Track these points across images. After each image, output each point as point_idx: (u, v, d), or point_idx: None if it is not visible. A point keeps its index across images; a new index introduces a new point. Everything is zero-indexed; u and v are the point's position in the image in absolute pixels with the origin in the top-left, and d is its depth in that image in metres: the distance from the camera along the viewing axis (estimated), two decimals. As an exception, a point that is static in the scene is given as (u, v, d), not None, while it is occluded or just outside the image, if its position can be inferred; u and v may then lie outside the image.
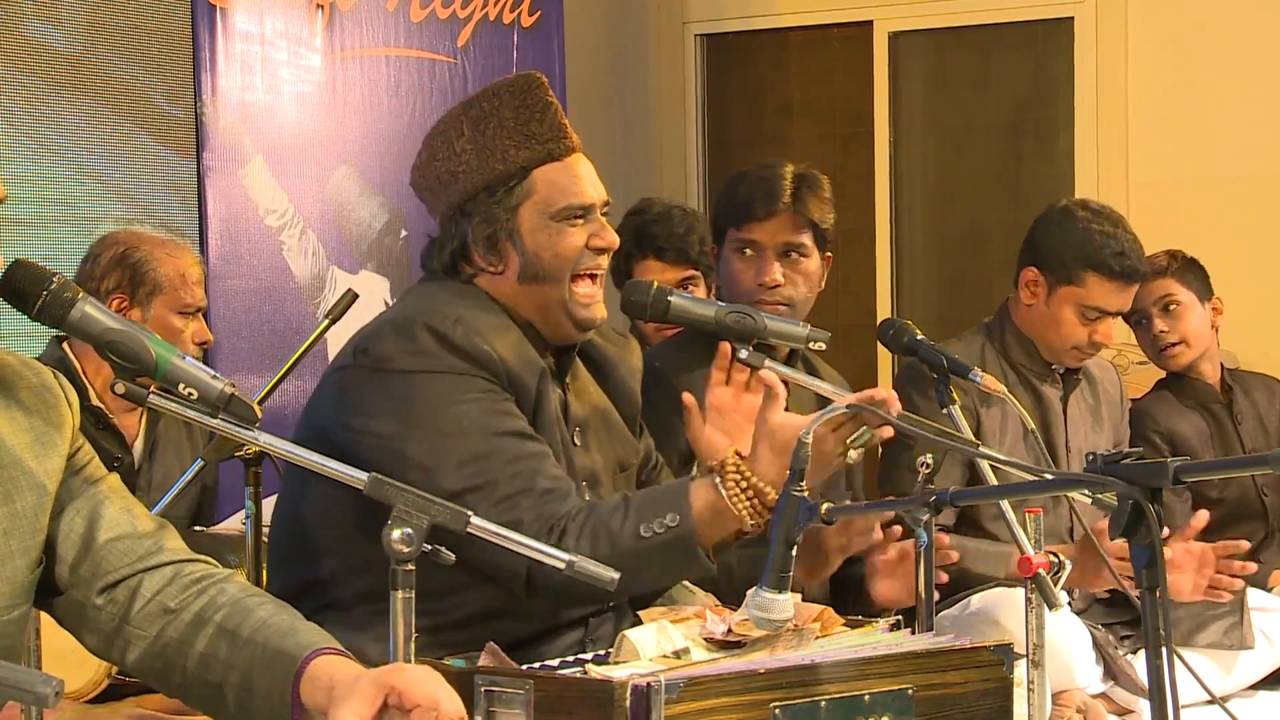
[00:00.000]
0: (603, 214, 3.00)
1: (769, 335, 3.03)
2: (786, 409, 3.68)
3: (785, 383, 3.31)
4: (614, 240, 2.98)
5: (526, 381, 2.88)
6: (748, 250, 3.75)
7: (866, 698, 2.53)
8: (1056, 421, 4.24)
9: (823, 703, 2.49)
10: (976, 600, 3.97)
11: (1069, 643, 3.86)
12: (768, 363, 3.03)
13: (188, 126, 5.22)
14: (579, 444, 2.99)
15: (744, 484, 2.74)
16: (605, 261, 2.99)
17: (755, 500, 2.74)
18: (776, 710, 2.46)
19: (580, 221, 2.96)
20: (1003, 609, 3.87)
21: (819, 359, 3.87)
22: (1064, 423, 4.26)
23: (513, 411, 2.84)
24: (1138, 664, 3.96)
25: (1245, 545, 4.14)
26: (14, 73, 4.96)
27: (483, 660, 2.59)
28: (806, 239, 3.75)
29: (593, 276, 2.97)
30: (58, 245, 4.32)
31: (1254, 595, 4.33)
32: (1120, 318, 4.44)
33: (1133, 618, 4.25)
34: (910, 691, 2.58)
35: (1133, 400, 4.85)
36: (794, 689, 2.48)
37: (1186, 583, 4.08)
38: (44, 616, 3.25)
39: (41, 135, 5.02)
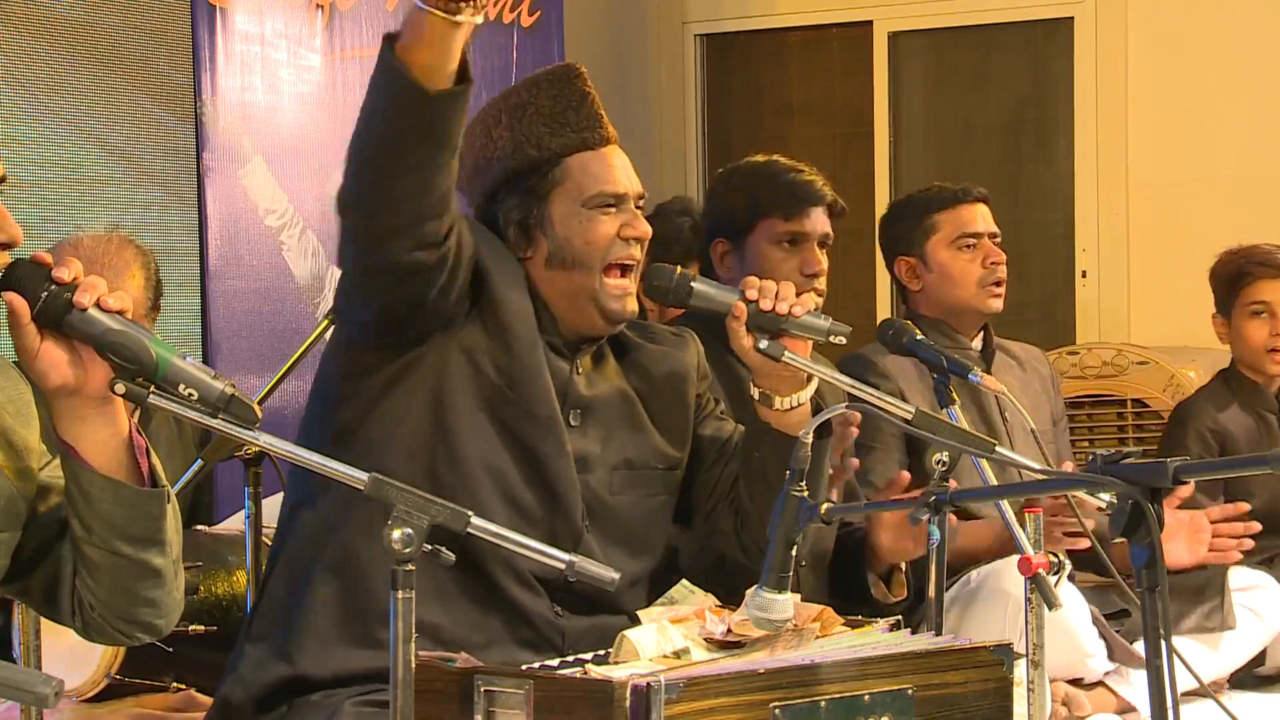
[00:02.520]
0: (638, 207, 3.00)
1: (791, 326, 3.02)
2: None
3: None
4: (646, 230, 2.99)
5: (515, 325, 2.88)
6: (788, 242, 3.77)
7: (866, 698, 2.53)
8: (987, 400, 4.24)
9: (823, 703, 2.49)
10: (975, 575, 3.96)
11: (1070, 612, 3.85)
12: (786, 355, 3.02)
13: (188, 127, 5.22)
14: (575, 425, 2.98)
15: None
16: (638, 253, 2.99)
17: None
18: (776, 710, 2.46)
19: (613, 210, 2.96)
20: (1005, 576, 3.85)
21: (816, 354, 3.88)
22: (995, 400, 4.28)
23: None
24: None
25: (1245, 507, 4.16)
26: (13, 73, 4.97)
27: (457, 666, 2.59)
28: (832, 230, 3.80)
29: (625, 269, 2.98)
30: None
31: (1236, 574, 4.35)
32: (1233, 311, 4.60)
33: (1119, 610, 4.28)
34: (910, 692, 2.58)
35: (1186, 398, 4.89)
36: (794, 689, 2.48)
37: (1182, 551, 4.12)
38: (45, 620, 3.26)
39: (39, 136, 5.03)
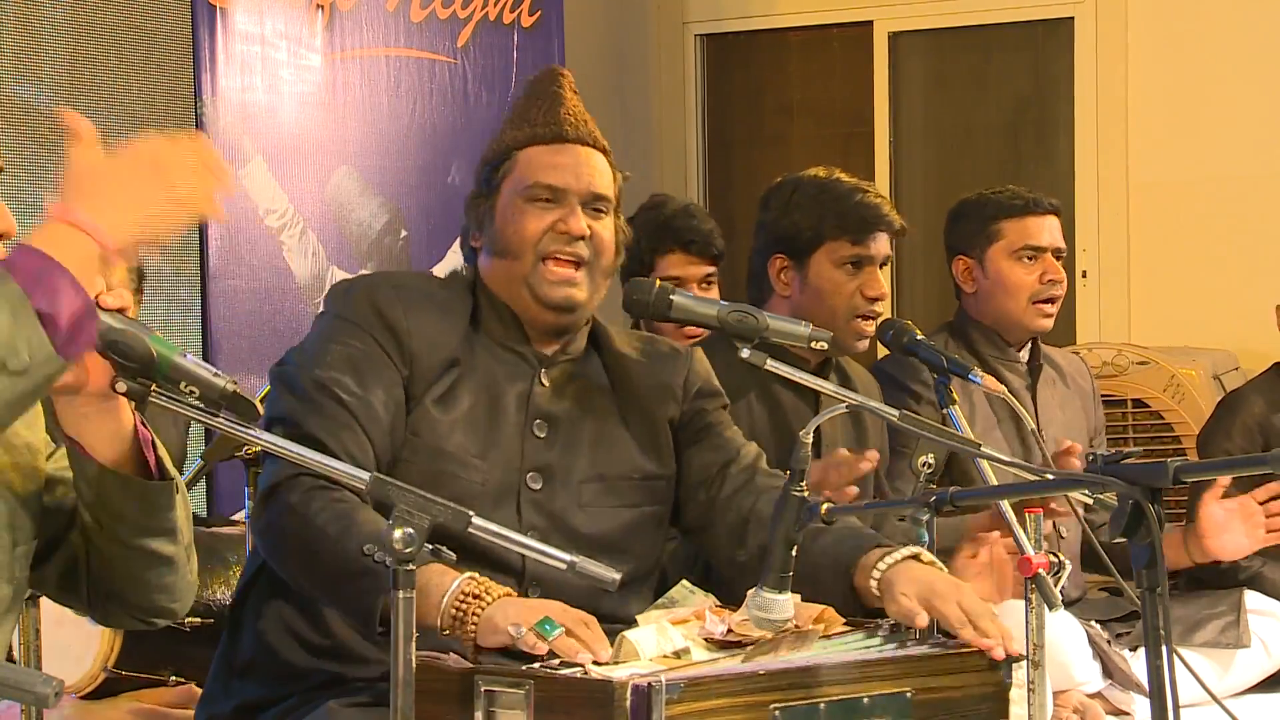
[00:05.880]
0: (592, 209, 2.98)
1: (771, 334, 3.02)
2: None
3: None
4: (580, 228, 2.94)
5: (429, 362, 2.90)
6: (851, 264, 3.76)
7: (865, 700, 2.55)
8: (1027, 408, 4.24)
9: (822, 705, 2.50)
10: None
11: (1065, 642, 3.87)
12: (769, 362, 3.02)
13: (188, 127, 5.22)
14: (540, 435, 2.96)
15: (472, 600, 2.58)
16: (581, 250, 2.95)
17: (466, 620, 2.57)
18: (776, 711, 2.47)
19: (549, 204, 2.96)
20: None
21: (852, 363, 3.90)
22: (1035, 409, 4.28)
23: (386, 379, 2.87)
24: (1136, 662, 3.97)
25: None
26: (13, 73, 4.97)
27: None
28: None
29: (569, 261, 2.96)
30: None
31: (1251, 598, 4.34)
32: None
33: (1129, 613, 4.27)
34: (909, 694, 2.59)
35: (1236, 388, 4.89)
36: (793, 690, 2.49)
37: (1241, 538, 4.15)
38: (43, 615, 3.26)
39: (39, 135, 5.02)
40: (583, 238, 2.95)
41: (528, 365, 2.98)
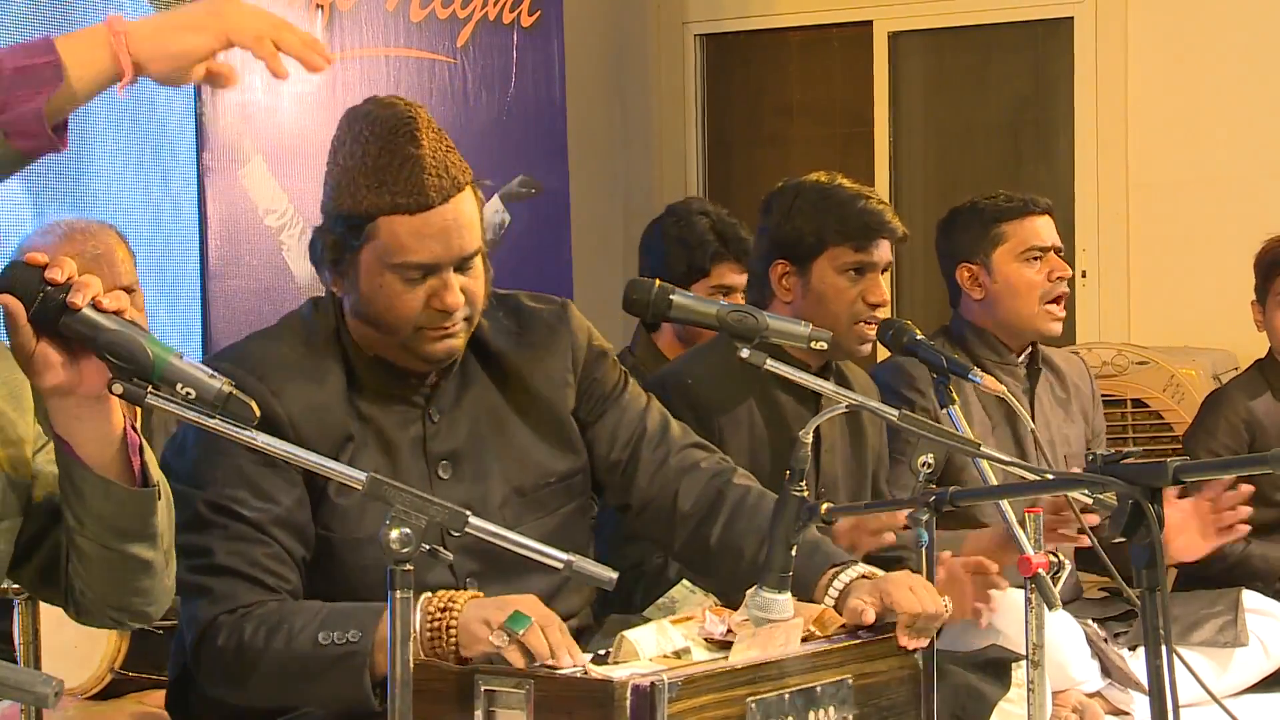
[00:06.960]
0: (464, 268, 2.85)
1: (771, 334, 3.03)
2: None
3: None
4: (455, 302, 2.82)
5: (321, 449, 2.72)
6: (854, 270, 3.76)
7: (818, 689, 2.65)
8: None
9: (786, 695, 2.60)
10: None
11: (1062, 641, 3.87)
12: (769, 362, 3.02)
13: (188, 127, 5.22)
14: (446, 477, 2.91)
15: (441, 613, 2.60)
16: (459, 315, 2.84)
17: (443, 635, 2.60)
18: (752, 704, 2.55)
19: (419, 277, 2.82)
20: (996, 613, 3.86)
21: (852, 367, 3.90)
22: (1031, 413, 4.28)
23: (283, 480, 2.79)
24: (1135, 661, 3.97)
25: (1247, 490, 4.17)
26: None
27: None
28: None
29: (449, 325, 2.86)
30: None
31: (1250, 598, 4.34)
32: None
33: (1125, 611, 4.27)
34: (850, 681, 2.70)
35: (1221, 385, 4.88)
36: (764, 683, 2.58)
37: (1197, 539, 4.14)
38: (44, 613, 3.26)
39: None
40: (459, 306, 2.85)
41: (415, 407, 2.92)
